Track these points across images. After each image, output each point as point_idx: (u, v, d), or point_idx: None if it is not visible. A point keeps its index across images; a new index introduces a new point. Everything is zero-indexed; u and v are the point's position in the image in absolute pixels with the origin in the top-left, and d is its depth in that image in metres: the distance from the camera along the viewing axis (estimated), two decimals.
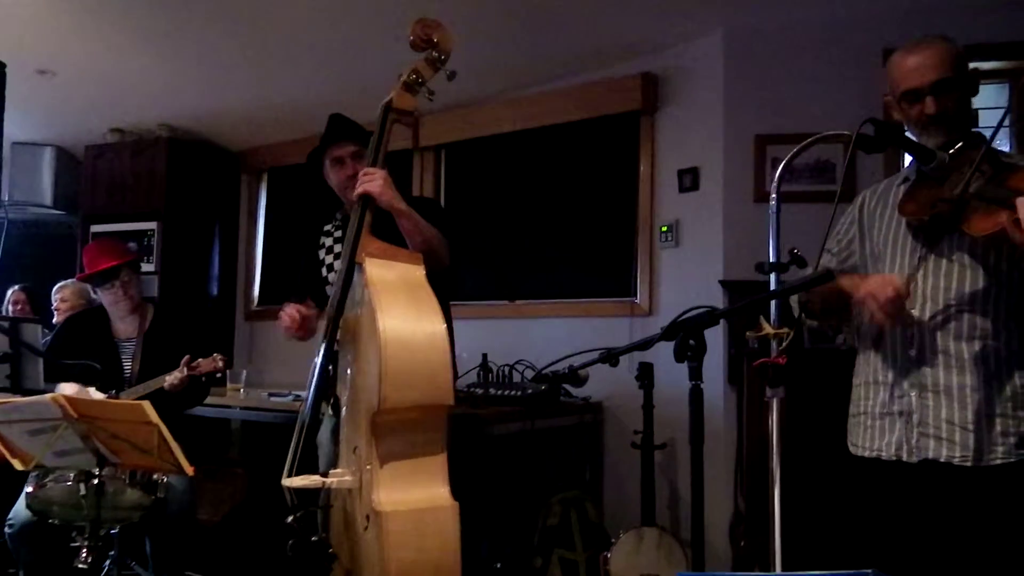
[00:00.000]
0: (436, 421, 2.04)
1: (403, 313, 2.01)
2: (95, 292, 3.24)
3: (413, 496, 1.97)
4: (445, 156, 4.62)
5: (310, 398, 2.19)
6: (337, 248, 2.66)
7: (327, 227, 2.75)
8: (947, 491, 1.71)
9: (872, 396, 1.85)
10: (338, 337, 2.24)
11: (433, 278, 2.19)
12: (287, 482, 2.06)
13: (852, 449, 1.91)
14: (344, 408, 2.27)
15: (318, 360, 2.20)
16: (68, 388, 2.70)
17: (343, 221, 2.65)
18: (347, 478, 2.13)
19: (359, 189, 2.24)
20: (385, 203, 2.24)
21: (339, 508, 2.23)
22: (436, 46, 2.22)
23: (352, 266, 2.17)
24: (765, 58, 3.48)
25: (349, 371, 2.22)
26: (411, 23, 2.22)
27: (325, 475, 2.12)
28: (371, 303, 2.01)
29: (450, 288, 2.54)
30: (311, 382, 2.20)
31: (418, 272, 2.15)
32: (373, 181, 2.22)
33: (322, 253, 2.73)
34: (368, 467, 2.00)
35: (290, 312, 2.49)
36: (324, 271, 2.70)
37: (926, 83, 1.74)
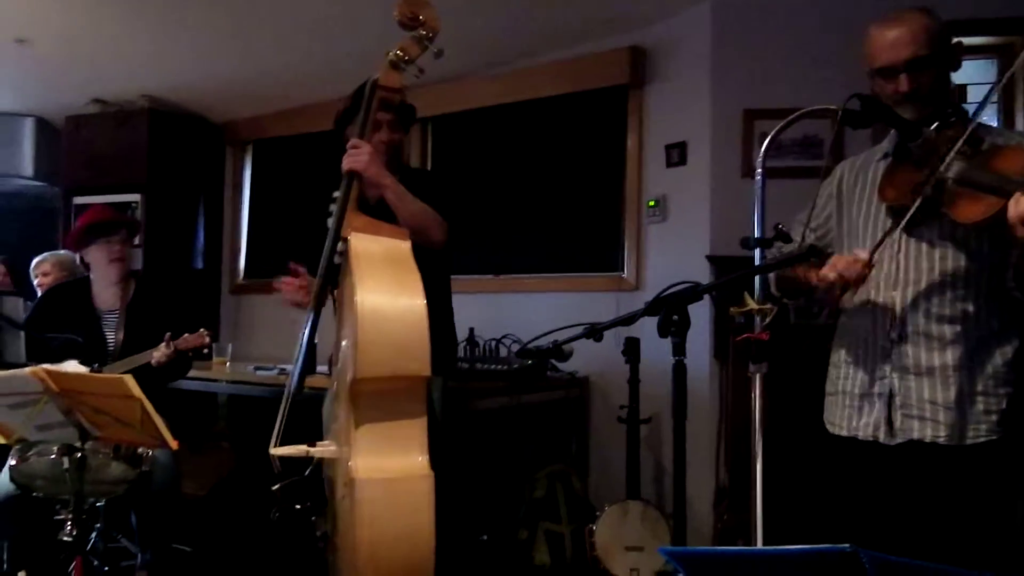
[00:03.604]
0: (414, 391, 2.05)
1: (382, 286, 2.03)
2: (83, 257, 3.18)
3: (388, 464, 1.98)
4: (432, 129, 4.58)
5: (297, 368, 2.21)
6: None
7: (336, 194, 2.72)
8: (929, 470, 1.72)
9: (851, 376, 1.86)
10: (336, 310, 2.26)
11: (425, 252, 2.19)
12: (273, 451, 2.11)
13: (829, 427, 1.93)
14: (334, 379, 2.29)
15: (304, 331, 2.23)
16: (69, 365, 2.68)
17: None
18: (331, 447, 2.16)
19: (345, 165, 2.26)
20: (371, 177, 2.27)
21: (328, 477, 2.26)
22: (423, 24, 2.22)
23: (337, 240, 2.20)
24: (754, 31, 3.46)
25: (339, 344, 2.24)
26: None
27: (312, 444, 2.15)
28: (352, 276, 2.04)
29: (445, 261, 2.54)
30: (299, 352, 2.23)
31: (403, 246, 2.16)
32: (359, 157, 2.25)
33: (330, 221, 2.71)
34: (346, 436, 2.03)
35: (286, 284, 2.47)
36: None
37: (900, 60, 1.72)
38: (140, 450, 2.52)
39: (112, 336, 3.07)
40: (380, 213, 2.28)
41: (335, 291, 2.37)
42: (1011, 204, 1.45)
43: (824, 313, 2.18)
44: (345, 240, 2.16)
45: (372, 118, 2.31)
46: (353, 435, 1.99)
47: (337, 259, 2.34)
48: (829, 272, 1.71)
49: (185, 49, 4.17)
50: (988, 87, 3.30)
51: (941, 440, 1.71)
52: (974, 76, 3.31)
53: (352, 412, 2.00)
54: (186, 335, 2.86)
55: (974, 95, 3.25)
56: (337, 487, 2.12)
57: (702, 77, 3.54)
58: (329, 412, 2.48)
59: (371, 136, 2.46)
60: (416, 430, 2.03)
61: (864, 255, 1.68)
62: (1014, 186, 1.46)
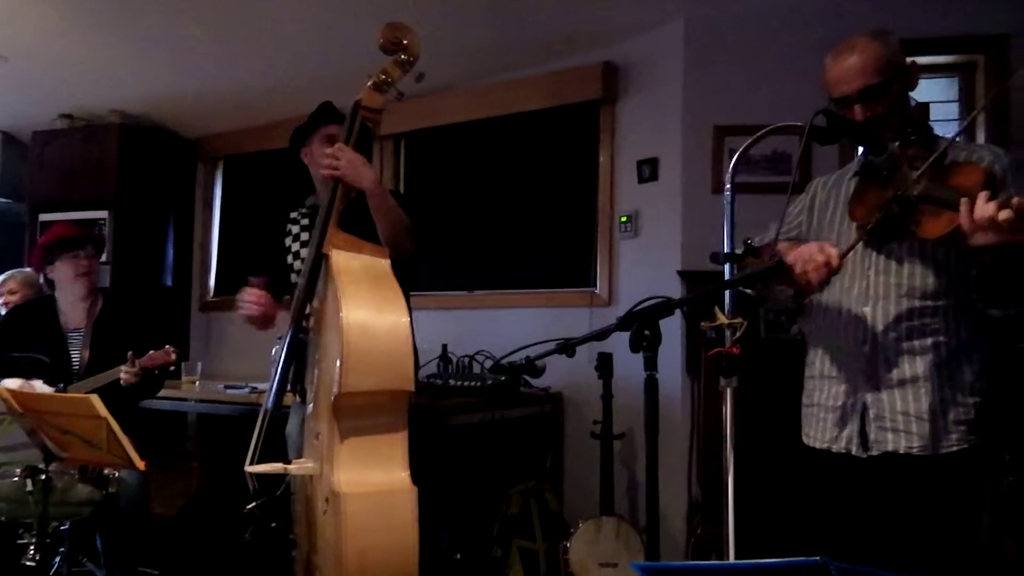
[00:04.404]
0: (396, 406, 2.08)
1: (366, 302, 2.06)
2: (47, 273, 3.13)
3: (372, 479, 2.01)
4: (405, 145, 4.58)
5: (274, 385, 2.20)
6: (304, 236, 2.66)
7: (293, 215, 2.74)
8: (903, 481, 1.74)
9: (825, 389, 1.88)
10: (306, 327, 2.27)
11: (394, 267, 2.20)
12: (250, 468, 2.08)
13: (805, 439, 1.95)
14: (310, 396, 2.27)
15: (283, 348, 2.24)
16: (11, 383, 2.63)
17: (311, 210, 2.65)
18: (309, 464, 2.15)
19: (326, 173, 2.28)
20: (353, 181, 2.27)
21: (301, 496, 2.25)
22: (405, 48, 2.29)
23: (319, 257, 2.21)
24: (725, 48, 3.50)
25: (315, 360, 2.23)
26: (380, 26, 2.29)
27: (288, 462, 2.16)
28: (335, 292, 2.06)
29: (410, 278, 2.56)
30: (275, 370, 2.21)
31: (383, 263, 2.20)
32: (339, 164, 2.26)
33: (288, 240, 2.71)
34: (328, 451, 2.03)
35: (253, 296, 2.45)
36: (290, 259, 2.69)
37: (852, 92, 1.76)
38: (107, 471, 2.48)
39: (77, 355, 3.02)
40: (352, 229, 2.28)
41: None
42: (963, 213, 1.48)
43: (796, 328, 2.21)
44: (326, 256, 2.16)
45: (355, 138, 2.34)
46: (336, 449, 2.00)
47: (295, 278, 2.34)
48: (796, 263, 1.71)
49: (156, 64, 4.14)
50: (951, 104, 3.37)
51: (915, 451, 1.73)
52: (937, 94, 3.38)
53: (335, 427, 2.01)
54: (151, 352, 2.82)
55: (937, 113, 3.31)
56: (316, 503, 2.11)
57: (673, 93, 3.58)
58: (297, 429, 2.46)
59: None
60: (399, 444, 2.07)
61: (835, 260, 1.69)
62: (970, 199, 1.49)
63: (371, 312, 2.05)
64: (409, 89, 2.35)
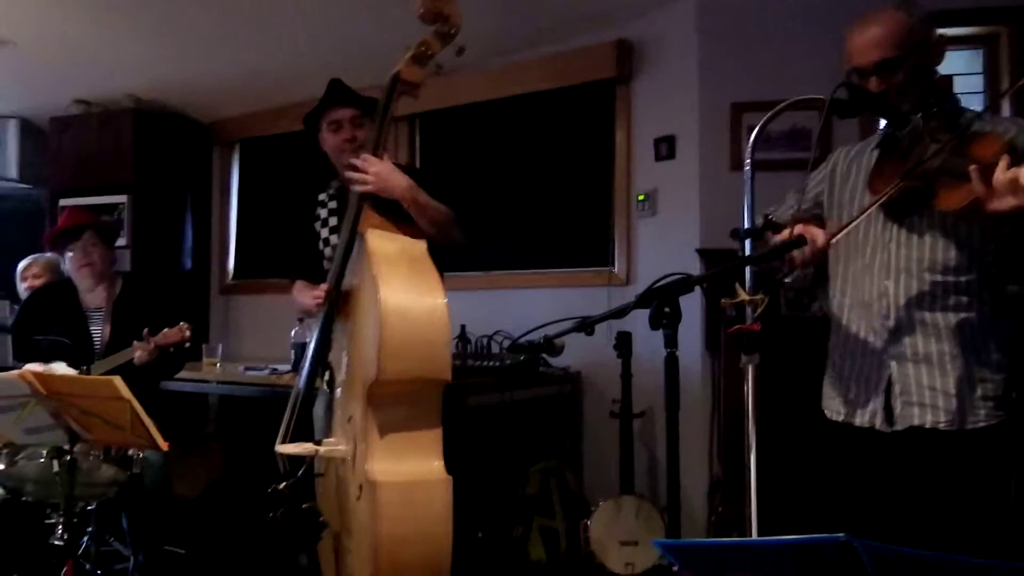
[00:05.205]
0: (432, 395, 2.05)
1: (404, 285, 2.01)
2: (63, 262, 3.17)
3: (406, 468, 1.97)
4: (420, 126, 4.57)
5: (307, 366, 2.19)
6: (333, 220, 2.64)
7: (321, 197, 2.71)
8: (928, 456, 1.73)
9: (848, 364, 1.87)
10: (335, 311, 2.26)
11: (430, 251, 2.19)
12: (280, 448, 2.08)
13: (827, 413, 1.93)
14: (340, 380, 2.27)
15: (315, 330, 2.23)
16: (32, 367, 2.65)
17: (338, 191, 2.63)
18: (340, 447, 2.14)
19: (358, 189, 2.23)
20: (384, 194, 2.24)
21: (331, 477, 2.25)
22: (447, 20, 2.20)
23: (353, 237, 2.17)
24: (741, 24, 3.45)
25: (345, 342, 2.22)
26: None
27: (319, 443, 2.15)
28: (372, 274, 2.00)
29: (440, 262, 2.56)
30: (309, 351, 2.21)
31: (420, 246, 2.16)
32: (367, 179, 2.21)
33: (318, 225, 2.70)
34: (362, 437, 2.01)
35: (317, 293, 2.38)
36: (321, 244, 2.67)
37: (869, 63, 1.73)
38: (131, 452, 2.51)
39: (99, 332, 3.04)
40: (386, 209, 2.25)
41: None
42: (977, 179, 1.46)
43: (816, 305, 2.20)
44: (361, 236, 2.13)
45: (393, 112, 2.28)
46: (370, 436, 1.98)
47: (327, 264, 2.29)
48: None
49: (171, 48, 4.14)
50: (975, 77, 3.32)
51: (942, 426, 1.72)
52: (961, 66, 3.32)
53: (369, 413, 1.98)
54: (165, 330, 2.83)
55: (961, 85, 3.26)
56: (349, 487, 2.10)
57: (690, 70, 3.54)
58: (323, 410, 2.46)
59: (345, 134, 2.45)
60: (434, 433, 2.03)
61: (821, 241, 1.70)
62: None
63: (410, 295, 1.99)
64: (449, 63, 2.25)
